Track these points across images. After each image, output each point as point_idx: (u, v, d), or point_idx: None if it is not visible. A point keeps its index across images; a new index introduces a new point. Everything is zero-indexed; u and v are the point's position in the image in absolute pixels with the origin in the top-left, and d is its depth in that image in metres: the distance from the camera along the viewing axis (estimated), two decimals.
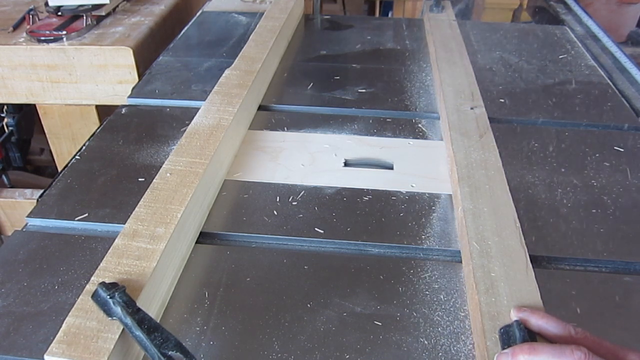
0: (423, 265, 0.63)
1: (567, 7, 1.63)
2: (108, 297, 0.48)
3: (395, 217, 0.70)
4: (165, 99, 0.97)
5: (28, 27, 1.21)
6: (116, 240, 0.57)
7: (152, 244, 0.57)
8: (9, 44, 1.14)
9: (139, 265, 0.54)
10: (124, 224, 0.60)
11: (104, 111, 1.23)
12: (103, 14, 1.27)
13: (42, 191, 0.75)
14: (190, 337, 0.54)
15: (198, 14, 1.40)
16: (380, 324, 0.56)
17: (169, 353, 0.45)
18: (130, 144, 0.85)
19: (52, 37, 1.15)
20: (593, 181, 0.78)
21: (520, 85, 1.04)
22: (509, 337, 0.48)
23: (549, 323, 0.49)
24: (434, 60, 1.07)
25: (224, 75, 0.91)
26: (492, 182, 0.70)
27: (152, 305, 0.54)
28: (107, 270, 0.54)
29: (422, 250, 0.66)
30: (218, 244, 0.67)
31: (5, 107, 1.36)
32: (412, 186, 0.75)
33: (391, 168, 0.80)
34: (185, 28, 1.31)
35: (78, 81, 1.17)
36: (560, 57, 1.16)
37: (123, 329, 0.48)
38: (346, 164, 0.80)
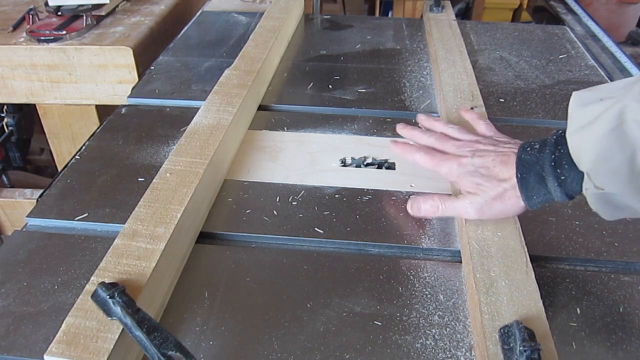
0: (423, 265, 0.63)
1: (567, 7, 1.64)
2: (108, 297, 0.48)
3: (395, 217, 0.70)
4: (165, 98, 0.97)
5: (28, 27, 1.21)
6: (116, 240, 0.57)
7: (152, 244, 0.57)
8: (9, 44, 1.14)
9: (138, 265, 0.54)
10: (124, 224, 0.59)
11: (104, 111, 1.23)
12: (103, 13, 1.27)
13: (42, 191, 0.75)
14: (190, 337, 0.54)
15: (198, 13, 1.40)
16: (380, 324, 0.56)
17: (169, 353, 0.45)
18: (130, 144, 0.85)
19: (52, 37, 1.15)
20: None
21: (520, 85, 1.04)
22: (509, 337, 0.48)
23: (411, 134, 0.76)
24: (434, 60, 1.07)
25: (223, 75, 0.91)
26: None
27: (152, 305, 0.54)
28: (107, 270, 0.54)
29: (422, 250, 0.66)
30: (218, 244, 0.67)
31: (5, 107, 1.35)
32: (412, 186, 0.75)
33: (391, 168, 0.80)
34: (185, 28, 1.31)
35: (78, 81, 1.17)
36: (560, 57, 1.16)
37: (123, 329, 0.48)
38: (346, 164, 0.80)
